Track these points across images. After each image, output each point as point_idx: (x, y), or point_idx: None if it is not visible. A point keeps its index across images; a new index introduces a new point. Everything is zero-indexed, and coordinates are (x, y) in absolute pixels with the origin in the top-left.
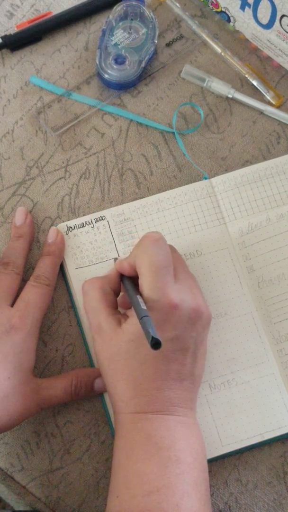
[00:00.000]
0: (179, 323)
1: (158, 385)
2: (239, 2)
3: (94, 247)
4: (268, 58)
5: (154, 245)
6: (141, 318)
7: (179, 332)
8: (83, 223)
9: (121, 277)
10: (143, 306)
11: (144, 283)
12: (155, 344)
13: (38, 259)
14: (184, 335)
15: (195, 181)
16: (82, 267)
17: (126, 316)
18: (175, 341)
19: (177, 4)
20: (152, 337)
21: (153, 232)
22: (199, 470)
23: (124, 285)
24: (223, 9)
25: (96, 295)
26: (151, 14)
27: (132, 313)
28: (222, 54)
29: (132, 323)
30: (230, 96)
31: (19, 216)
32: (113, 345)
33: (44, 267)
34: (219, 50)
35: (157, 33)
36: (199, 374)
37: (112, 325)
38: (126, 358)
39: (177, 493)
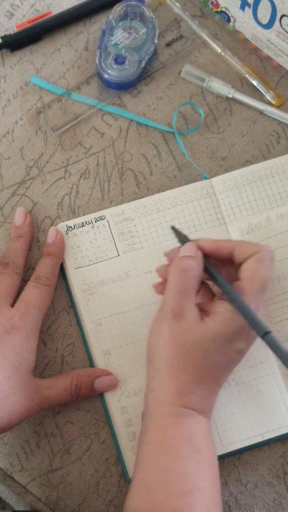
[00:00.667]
0: (249, 340)
1: (213, 388)
2: (239, 2)
3: (94, 247)
4: (268, 58)
5: (272, 264)
6: (268, 333)
7: (248, 347)
8: (83, 223)
9: (212, 271)
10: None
11: (251, 295)
12: None
13: (38, 259)
14: (247, 351)
15: (195, 181)
16: (82, 267)
17: (204, 310)
18: (242, 355)
19: (177, 4)
20: None
21: (272, 250)
22: (219, 482)
23: (221, 283)
24: (223, 9)
25: (194, 279)
26: (151, 14)
27: (216, 309)
28: (222, 54)
29: (218, 321)
30: (230, 96)
31: (19, 216)
32: (194, 337)
33: (44, 268)
34: (219, 50)
35: (157, 33)
36: None
37: (197, 316)
38: (202, 355)
39: (208, 497)
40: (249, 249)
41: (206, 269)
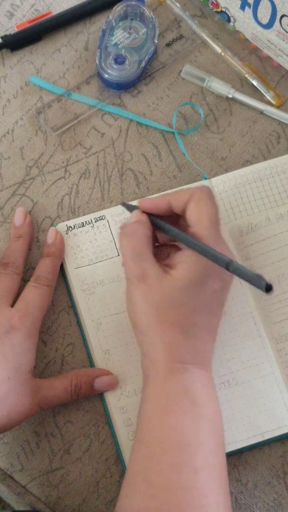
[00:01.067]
0: (224, 278)
1: (204, 337)
2: (239, 2)
3: (94, 246)
4: (268, 58)
5: (213, 199)
6: (230, 263)
7: (225, 285)
8: (83, 223)
9: (158, 222)
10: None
11: (205, 234)
12: (269, 287)
13: (38, 260)
14: (227, 290)
15: (195, 181)
16: (82, 267)
17: (166, 266)
18: (221, 294)
19: (177, 4)
20: (267, 283)
21: (208, 187)
22: (221, 435)
23: (173, 231)
24: (223, 9)
25: (143, 240)
26: (151, 14)
27: (179, 259)
28: (222, 54)
29: (184, 269)
30: (230, 96)
31: (19, 217)
32: (163, 292)
33: (44, 268)
34: (219, 50)
35: (157, 33)
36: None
37: (159, 272)
38: (177, 306)
39: (208, 450)
40: (183, 196)
41: (154, 224)
